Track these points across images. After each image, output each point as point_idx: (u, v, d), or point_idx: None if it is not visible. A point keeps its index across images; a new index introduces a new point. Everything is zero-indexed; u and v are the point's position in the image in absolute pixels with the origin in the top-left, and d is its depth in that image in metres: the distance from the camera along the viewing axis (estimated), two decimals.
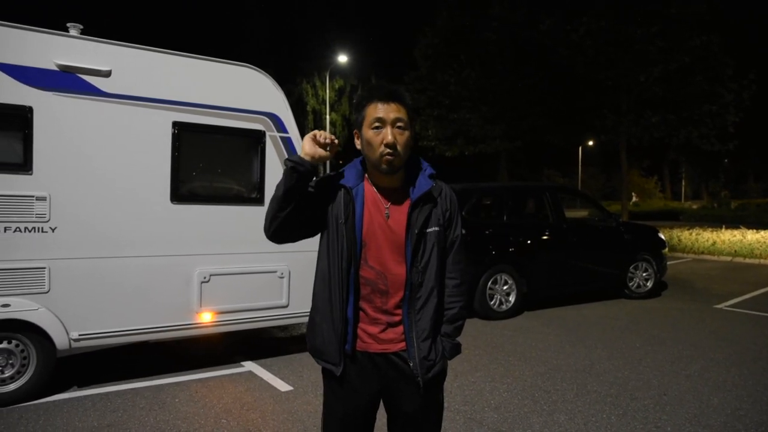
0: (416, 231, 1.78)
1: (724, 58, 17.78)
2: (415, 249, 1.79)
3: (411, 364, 1.80)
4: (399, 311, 1.81)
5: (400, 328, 1.82)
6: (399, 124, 1.75)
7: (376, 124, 1.75)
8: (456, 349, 1.89)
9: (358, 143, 1.83)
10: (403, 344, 1.82)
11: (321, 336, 1.85)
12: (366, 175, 1.85)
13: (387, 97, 1.76)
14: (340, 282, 1.79)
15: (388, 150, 1.73)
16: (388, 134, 1.73)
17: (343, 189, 1.81)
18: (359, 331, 1.83)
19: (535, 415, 3.87)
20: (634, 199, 24.26)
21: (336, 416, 1.88)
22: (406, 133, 1.77)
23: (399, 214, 1.81)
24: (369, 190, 1.84)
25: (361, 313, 1.83)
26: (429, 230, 1.81)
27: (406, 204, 1.81)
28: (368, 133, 1.76)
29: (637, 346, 5.63)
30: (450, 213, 1.87)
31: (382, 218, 1.81)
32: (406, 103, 1.79)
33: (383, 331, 1.82)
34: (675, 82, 17.97)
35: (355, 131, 1.86)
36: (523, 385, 4.49)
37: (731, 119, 18.14)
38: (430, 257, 1.81)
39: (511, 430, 3.63)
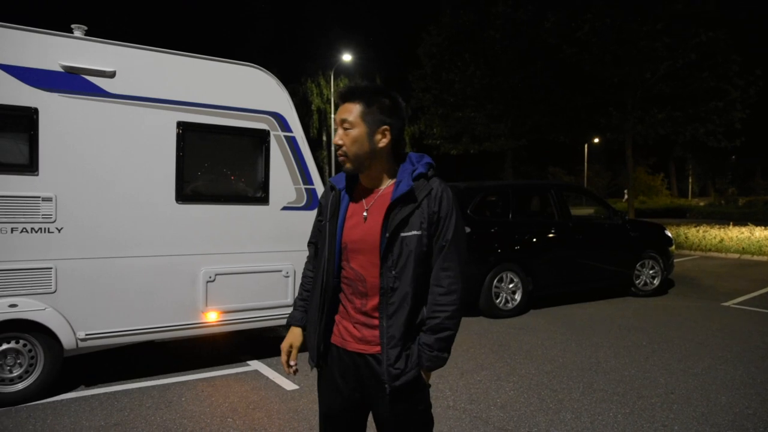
0: (387, 234, 1.73)
1: (731, 54, 17.66)
2: (386, 253, 1.74)
3: (381, 369, 1.77)
4: (377, 314, 1.79)
5: (378, 331, 1.79)
6: (345, 124, 1.78)
7: (334, 127, 1.83)
8: (437, 361, 1.77)
9: None
10: (379, 348, 1.78)
11: (309, 333, 1.92)
12: (360, 177, 1.88)
13: (340, 100, 1.81)
14: (323, 281, 1.84)
15: (338, 151, 1.79)
16: (336, 136, 1.80)
17: (334, 190, 1.87)
18: (341, 329, 1.86)
19: (541, 414, 3.86)
20: (626, 197, 23.90)
21: (321, 411, 1.95)
22: (351, 133, 1.76)
23: (377, 216, 1.78)
24: (358, 191, 1.87)
25: (343, 311, 1.86)
26: (405, 234, 1.73)
27: (386, 206, 1.76)
28: None
29: (643, 344, 5.60)
30: (438, 215, 1.75)
31: (362, 220, 1.81)
32: (360, 98, 1.77)
33: (361, 331, 1.82)
34: (681, 78, 17.86)
35: None
36: (529, 383, 4.48)
37: (738, 116, 18.02)
38: (406, 262, 1.73)
39: (517, 428, 3.63)
